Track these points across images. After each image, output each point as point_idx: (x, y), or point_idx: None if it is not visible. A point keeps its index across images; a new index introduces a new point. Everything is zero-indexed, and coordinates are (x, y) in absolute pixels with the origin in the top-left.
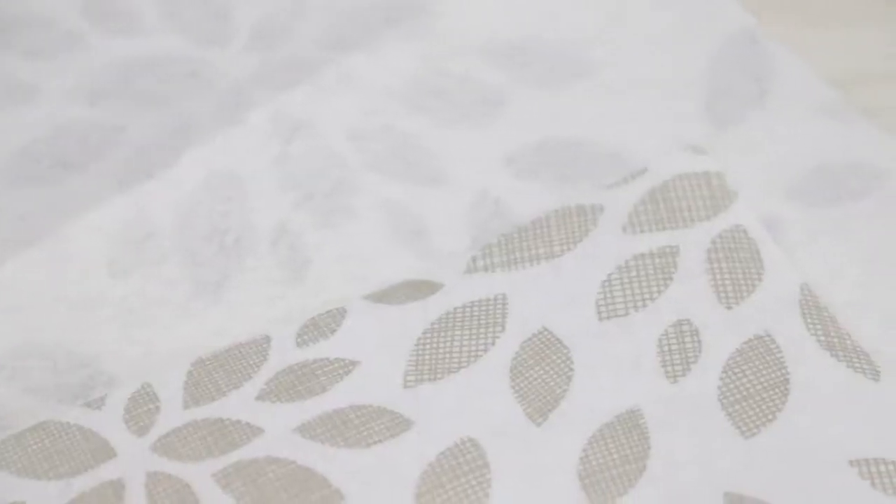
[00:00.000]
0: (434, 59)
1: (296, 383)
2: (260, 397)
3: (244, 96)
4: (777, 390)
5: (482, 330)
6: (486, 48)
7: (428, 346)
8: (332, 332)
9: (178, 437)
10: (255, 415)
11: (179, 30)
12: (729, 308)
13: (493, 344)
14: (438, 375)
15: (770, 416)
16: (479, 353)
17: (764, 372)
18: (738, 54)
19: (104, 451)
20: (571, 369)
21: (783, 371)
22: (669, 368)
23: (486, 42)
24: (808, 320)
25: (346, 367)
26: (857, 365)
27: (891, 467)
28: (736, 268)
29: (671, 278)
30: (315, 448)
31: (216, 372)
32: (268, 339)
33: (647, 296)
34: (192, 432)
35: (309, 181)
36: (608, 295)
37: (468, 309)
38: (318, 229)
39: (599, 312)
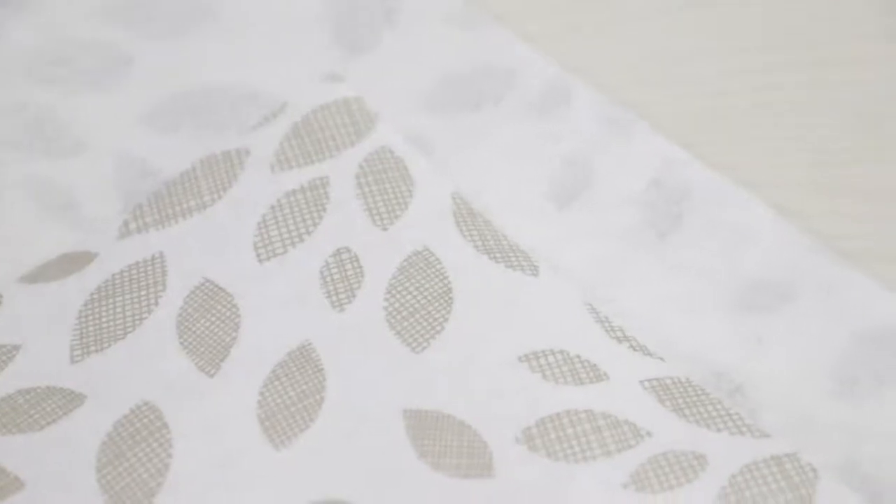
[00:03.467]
0: (52, 28)
1: None
2: None
3: None
4: (441, 301)
5: (143, 292)
6: (104, 8)
7: (91, 318)
8: None
9: None
10: None
11: None
12: (385, 229)
13: (157, 304)
14: (105, 345)
15: (438, 328)
16: (144, 315)
17: (426, 286)
18: None
19: None
20: (238, 315)
21: (445, 281)
22: (334, 298)
23: (102, 1)
24: (463, 228)
25: (8, 352)
26: (516, 263)
27: (558, 356)
28: (386, 189)
29: (324, 209)
30: None
31: None
32: None
33: (303, 230)
34: None
35: None
36: (265, 236)
37: (126, 273)
38: None
39: (258, 254)
